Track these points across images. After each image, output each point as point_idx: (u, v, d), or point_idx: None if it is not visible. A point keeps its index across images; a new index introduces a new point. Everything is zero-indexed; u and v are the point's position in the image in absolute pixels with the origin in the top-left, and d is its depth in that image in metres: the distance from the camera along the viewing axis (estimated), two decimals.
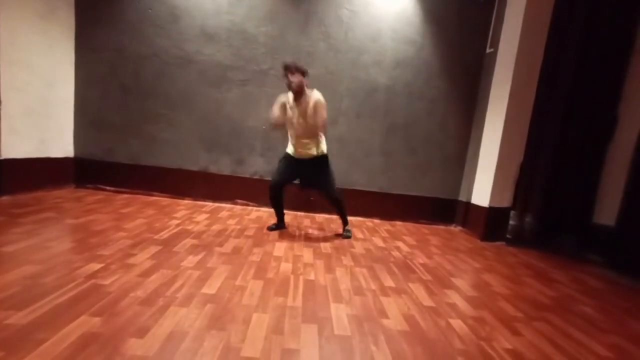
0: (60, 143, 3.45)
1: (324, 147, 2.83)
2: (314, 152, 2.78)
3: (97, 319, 1.34)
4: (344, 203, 3.00)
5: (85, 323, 1.31)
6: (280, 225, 3.04)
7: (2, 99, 2.79)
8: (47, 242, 2.07)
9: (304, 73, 2.63)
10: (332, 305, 1.70)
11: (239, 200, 3.79)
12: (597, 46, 3.51)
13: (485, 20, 3.71)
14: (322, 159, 2.83)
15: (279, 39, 3.62)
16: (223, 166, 3.75)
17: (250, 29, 3.58)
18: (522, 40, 3.23)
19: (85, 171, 3.61)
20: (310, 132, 2.71)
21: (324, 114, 2.60)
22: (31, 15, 2.97)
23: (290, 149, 2.86)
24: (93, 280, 1.65)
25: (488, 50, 3.72)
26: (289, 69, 2.60)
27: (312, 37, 3.65)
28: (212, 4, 3.51)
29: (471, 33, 3.74)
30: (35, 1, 3.00)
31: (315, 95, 2.63)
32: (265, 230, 2.91)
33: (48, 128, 3.28)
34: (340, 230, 3.10)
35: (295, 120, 2.69)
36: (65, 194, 3.30)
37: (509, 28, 3.40)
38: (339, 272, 2.17)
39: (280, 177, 2.82)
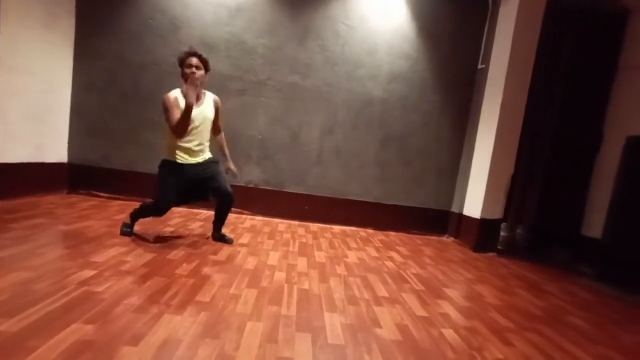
0: (55, 148, 3.44)
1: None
2: (207, 155, 2.51)
3: (90, 327, 1.33)
4: None
5: (78, 330, 1.30)
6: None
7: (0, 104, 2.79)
8: (39, 248, 2.04)
9: (207, 69, 2.37)
10: (326, 315, 1.70)
11: (233, 209, 3.78)
12: (583, 64, 3.66)
13: (477, 38, 3.85)
14: (214, 160, 2.56)
15: (277, 51, 3.69)
16: None
17: (249, 40, 3.65)
18: (512, 58, 3.34)
19: (78, 177, 3.59)
20: (207, 135, 2.48)
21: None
22: (32, 22, 3.00)
23: (178, 156, 2.38)
24: (86, 287, 1.63)
25: (480, 67, 3.84)
26: (195, 56, 2.29)
27: (310, 50, 3.73)
28: (212, 16, 3.59)
29: (464, 49, 3.87)
30: (37, 10, 3.03)
31: (211, 94, 2.48)
32: (119, 236, 2.47)
33: (44, 133, 3.28)
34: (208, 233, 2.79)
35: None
36: (57, 200, 3.27)
37: (499, 46, 3.53)
38: (333, 281, 2.18)
39: (174, 194, 2.35)
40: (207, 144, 2.53)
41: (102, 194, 3.61)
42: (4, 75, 2.80)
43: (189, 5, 3.55)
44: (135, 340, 1.28)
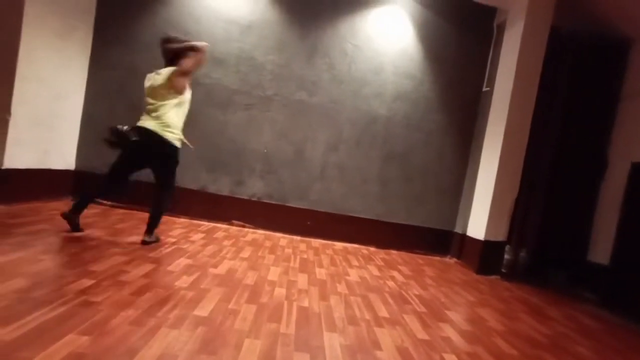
0: (62, 155, 3.48)
1: (174, 135, 2.56)
2: (162, 124, 2.54)
3: (85, 338, 1.30)
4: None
5: (72, 342, 1.27)
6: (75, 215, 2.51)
7: (12, 111, 2.84)
8: (39, 254, 2.03)
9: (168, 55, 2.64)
10: (326, 334, 1.67)
11: (235, 222, 3.77)
12: (587, 89, 3.70)
13: (482, 62, 3.92)
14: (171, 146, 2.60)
15: (285, 68, 3.77)
16: (222, 186, 3.77)
17: (259, 56, 3.74)
18: (516, 82, 3.39)
19: (84, 184, 3.60)
20: (160, 98, 2.58)
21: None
22: (50, 34, 3.10)
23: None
24: (84, 297, 1.62)
25: (484, 89, 3.90)
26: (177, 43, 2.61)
27: (317, 68, 3.81)
28: (223, 32, 3.69)
29: (469, 72, 3.94)
30: (55, 22, 3.13)
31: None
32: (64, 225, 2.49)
33: (52, 140, 3.32)
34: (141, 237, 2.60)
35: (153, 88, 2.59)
36: (62, 206, 3.26)
37: (504, 70, 3.59)
38: (334, 299, 2.14)
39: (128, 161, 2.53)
40: (164, 111, 2.57)
41: (105, 202, 3.62)
42: (17, 84, 2.86)
43: (200, 21, 3.66)
44: (130, 355, 1.25)
